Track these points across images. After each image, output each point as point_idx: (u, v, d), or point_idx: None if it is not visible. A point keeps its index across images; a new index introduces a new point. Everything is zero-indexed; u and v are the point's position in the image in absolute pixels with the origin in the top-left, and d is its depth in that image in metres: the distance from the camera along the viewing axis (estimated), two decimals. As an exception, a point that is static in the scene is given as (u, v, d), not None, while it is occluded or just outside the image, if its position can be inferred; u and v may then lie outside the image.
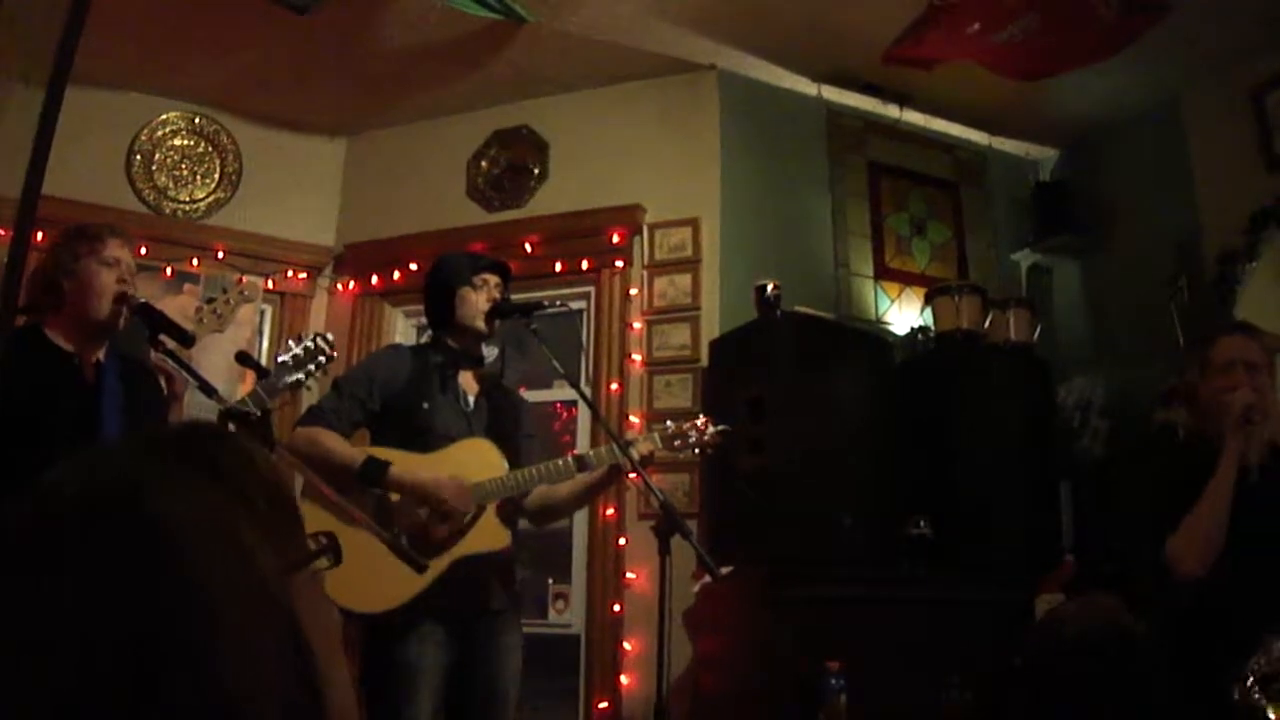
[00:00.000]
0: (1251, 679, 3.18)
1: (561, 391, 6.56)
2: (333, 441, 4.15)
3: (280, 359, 3.99)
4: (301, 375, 3.96)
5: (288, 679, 0.89)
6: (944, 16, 5.72)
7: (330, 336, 4.06)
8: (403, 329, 7.08)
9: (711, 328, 6.09)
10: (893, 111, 7.06)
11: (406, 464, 4.12)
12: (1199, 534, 3.69)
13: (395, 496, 4.09)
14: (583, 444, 6.05)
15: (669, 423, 4.39)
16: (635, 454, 4.11)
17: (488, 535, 4.15)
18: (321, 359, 4.00)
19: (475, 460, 4.20)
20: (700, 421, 4.38)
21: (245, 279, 6.71)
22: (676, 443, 4.32)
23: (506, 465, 4.21)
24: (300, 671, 0.92)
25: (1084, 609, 2.48)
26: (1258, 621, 3.29)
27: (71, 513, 0.89)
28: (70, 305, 3.82)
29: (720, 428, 4.37)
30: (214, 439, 1.03)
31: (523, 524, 4.51)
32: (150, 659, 0.81)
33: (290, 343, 4.04)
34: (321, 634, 1.01)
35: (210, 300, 4.19)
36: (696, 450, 4.47)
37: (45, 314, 3.84)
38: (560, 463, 4.21)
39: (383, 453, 4.20)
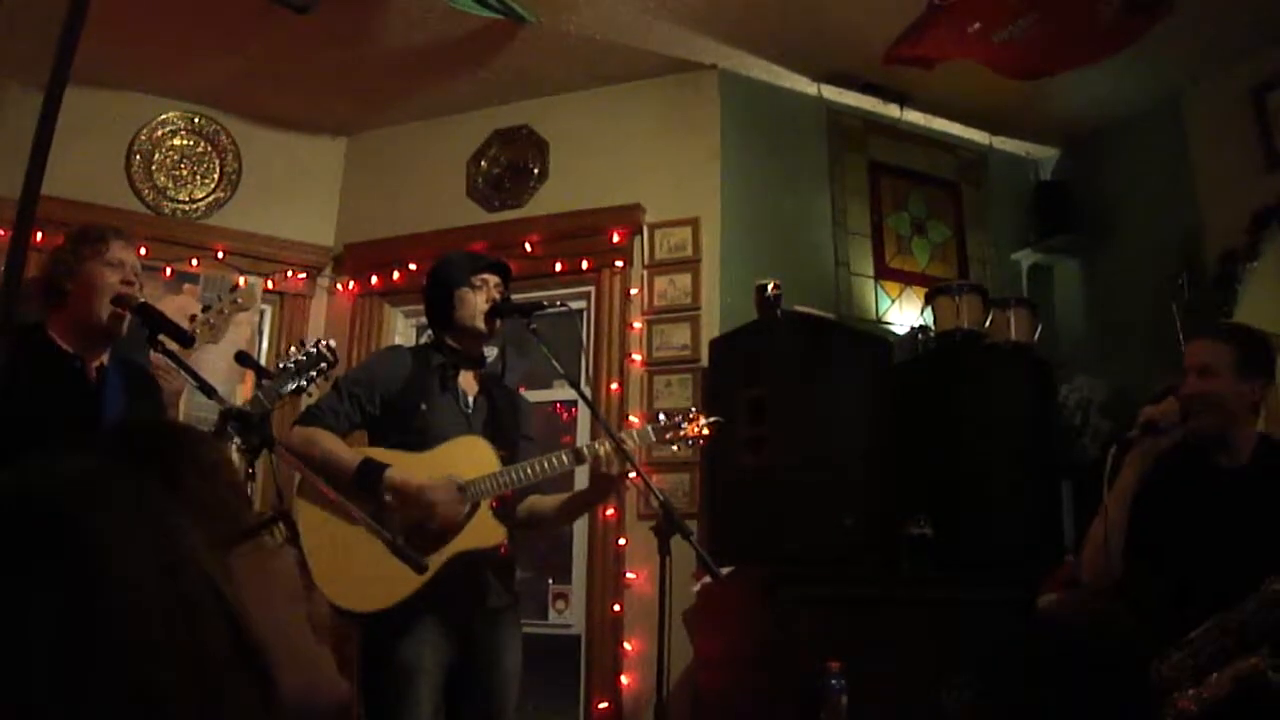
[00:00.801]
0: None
1: (561, 392, 6.56)
2: (330, 443, 4.15)
3: (282, 365, 3.99)
4: (303, 381, 3.97)
5: (212, 656, 0.91)
6: (944, 16, 5.71)
7: (333, 343, 4.07)
8: (402, 329, 7.08)
9: (712, 327, 6.08)
10: (893, 111, 7.06)
11: (402, 463, 4.12)
12: (1091, 543, 3.90)
13: (389, 498, 4.09)
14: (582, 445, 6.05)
15: (662, 416, 4.39)
16: (629, 448, 4.12)
17: (482, 532, 4.14)
18: (324, 365, 4.01)
19: (468, 457, 4.20)
20: (692, 415, 4.38)
21: (244, 280, 6.71)
22: (668, 435, 4.32)
23: (499, 462, 4.21)
24: (231, 646, 0.94)
25: (1066, 600, 2.50)
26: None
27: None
28: (73, 306, 3.81)
29: (713, 419, 4.37)
30: (149, 433, 1.07)
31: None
32: (76, 654, 0.84)
33: (293, 349, 4.04)
34: (270, 601, 1.06)
35: (206, 309, 4.19)
36: (689, 443, 4.47)
37: (48, 314, 3.84)
38: (555, 458, 4.20)
39: (379, 453, 4.20)
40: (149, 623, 0.88)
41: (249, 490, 3.86)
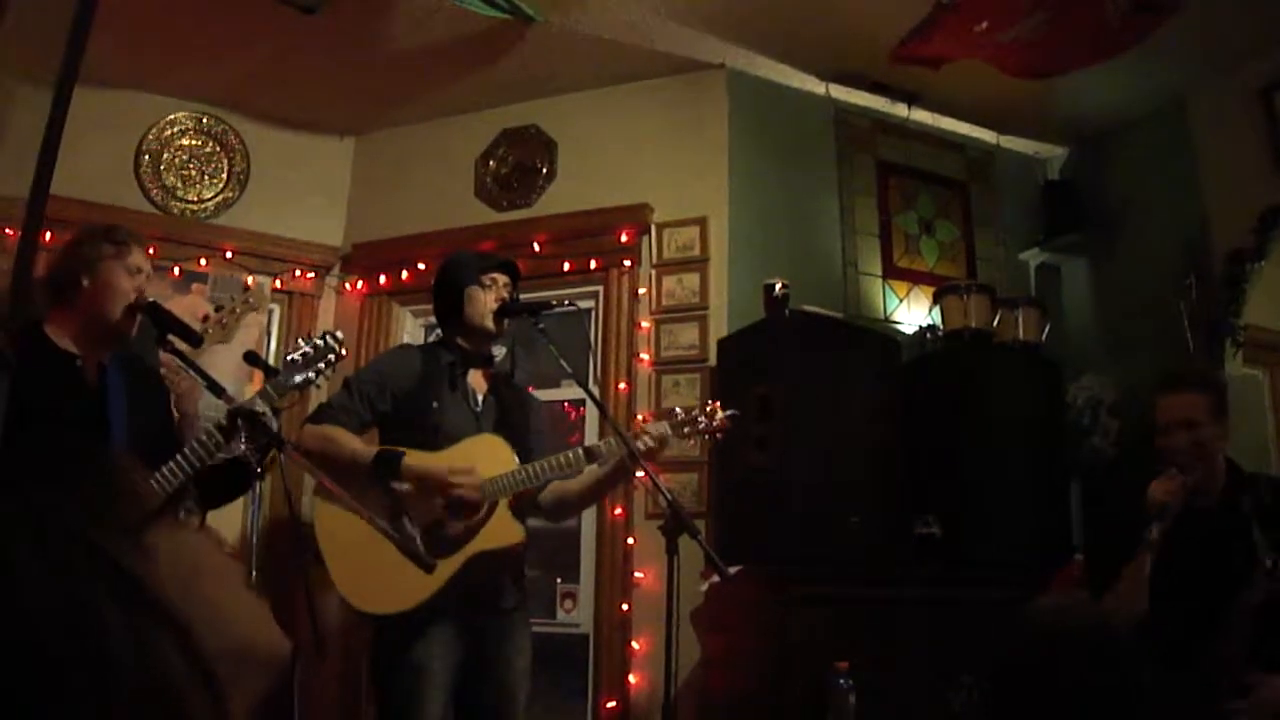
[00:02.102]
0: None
1: (570, 391, 6.55)
2: (345, 438, 4.16)
3: (289, 358, 3.98)
4: (311, 374, 3.96)
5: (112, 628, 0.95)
6: (952, 15, 5.71)
7: (340, 335, 4.05)
8: (411, 328, 7.08)
9: (720, 327, 6.08)
10: (901, 110, 7.05)
11: (419, 462, 4.13)
12: (1113, 602, 4.06)
13: (407, 486, 4.10)
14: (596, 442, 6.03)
15: (678, 410, 4.40)
16: (643, 443, 4.12)
17: (502, 531, 4.16)
18: (331, 357, 4.00)
19: (485, 456, 4.21)
20: (709, 406, 4.38)
21: (252, 280, 6.72)
22: (686, 429, 4.32)
23: (517, 460, 4.21)
24: (141, 619, 0.98)
25: (1059, 604, 2.48)
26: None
27: None
28: (85, 305, 3.81)
29: (730, 412, 4.37)
30: (38, 444, 1.14)
31: (531, 522, 4.52)
32: None
33: (299, 341, 4.03)
34: (191, 570, 1.13)
35: (217, 309, 4.19)
36: (706, 436, 4.48)
37: (49, 312, 3.84)
38: (570, 455, 4.22)
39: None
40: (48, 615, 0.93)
41: (257, 488, 3.88)
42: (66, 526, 1.01)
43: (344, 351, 4.05)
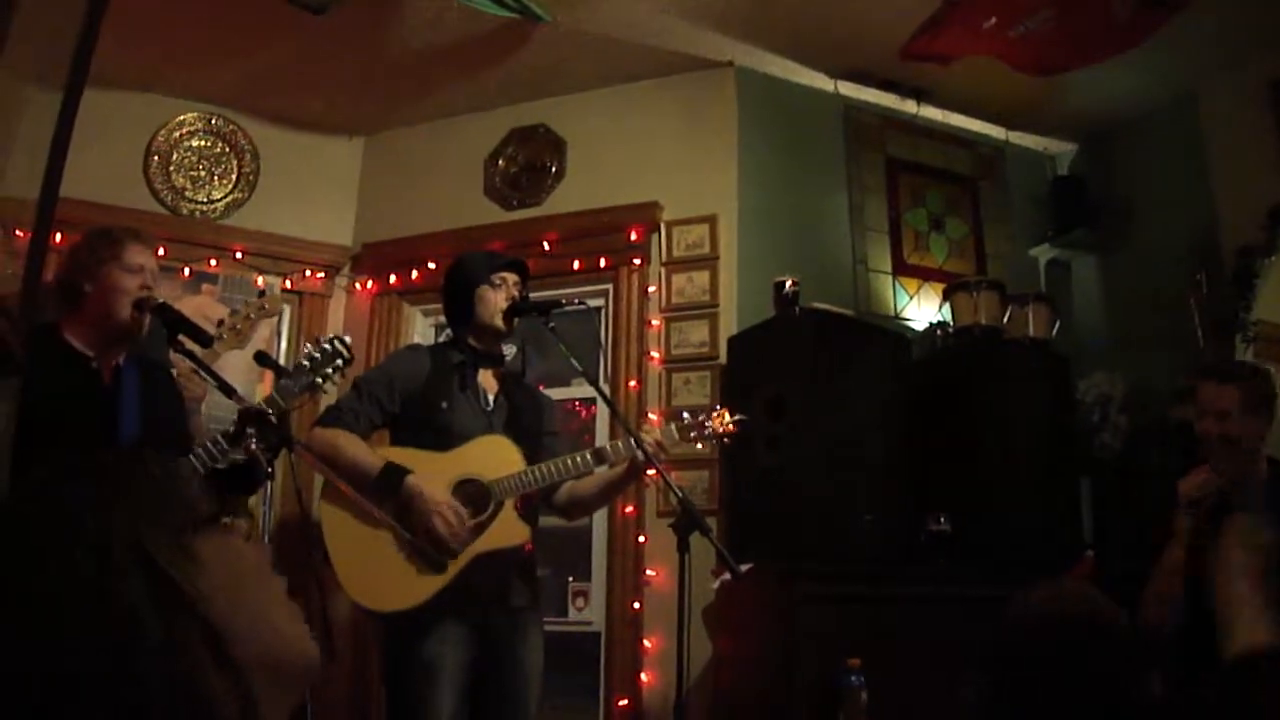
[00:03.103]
0: None
1: (580, 390, 6.55)
2: (352, 446, 4.17)
3: (298, 362, 3.99)
4: (319, 378, 3.97)
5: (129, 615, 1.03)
6: (960, 11, 5.70)
7: (348, 339, 4.06)
8: (421, 328, 7.08)
9: (730, 325, 6.08)
10: (910, 107, 7.05)
11: (426, 463, 4.14)
12: (1152, 596, 4.14)
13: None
14: (601, 442, 6.02)
15: (685, 414, 4.41)
16: (648, 440, 4.13)
17: (507, 531, 4.16)
18: (339, 362, 4.01)
19: (492, 457, 4.21)
20: (717, 411, 4.39)
21: (263, 280, 6.73)
22: (692, 434, 4.33)
23: (524, 461, 4.22)
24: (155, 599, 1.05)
25: (1053, 594, 2.47)
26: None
27: None
28: (90, 308, 3.82)
29: (737, 417, 4.38)
30: (94, 457, 1.22)
31: (544, 521, 4.53)
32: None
33: (308, 345, 4.05)
34: (234, 577, 1.16)
35: (232, 313, 4.20)
36: (714, 441, 4.48)
37: (62, 315, 3.85)
38: (579, 457, 4.23)
39: (401, 452, 4.22)
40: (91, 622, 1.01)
41: (268, 488, 3.89)
42: (116, 527, 1.04)
43: (352, 355, 4.06)
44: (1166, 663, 3.82)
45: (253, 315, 4.20)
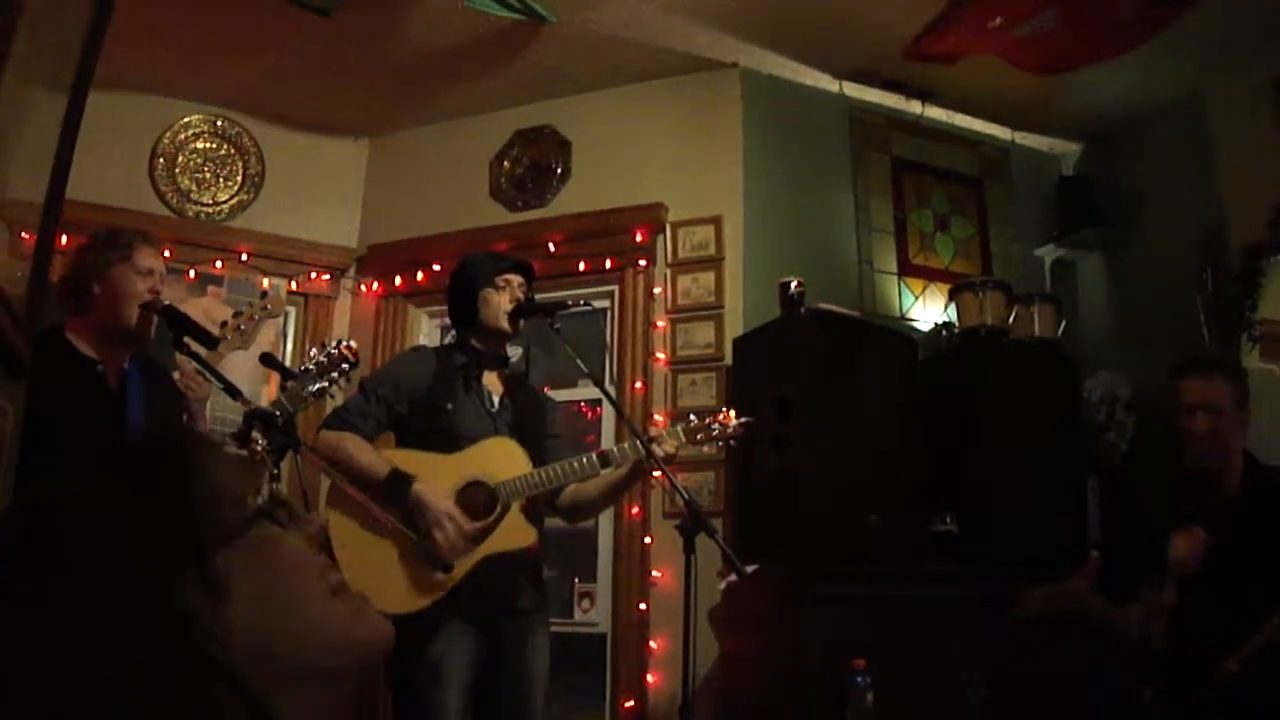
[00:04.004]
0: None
1: (586, 391, 6.55)
2: (358, 450, 4.16)
3: (304, 366, 3.99)
4: (325, 383, 3.97)
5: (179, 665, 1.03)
6: (965, 11, 5.70)
7: (354, 344, 4.07)
8: (427, 330, 7.09)
9: (735, 326, 6.08)
10: (915, 107, 7.04)
11: (432, 465, 4.14)
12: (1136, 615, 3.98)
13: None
14: (607, 443, 6.01)
15: (692, 416, 4.40)
16: (659, 452, 4.12)
17: (513, 533, 4.16)
18: (345, 366, 4.01)
19: (499, 459, 4.21)
20: (723, 414, 4.39)
21: (268, 283, 6.73)
22: (699, 436, 4.33)
23: (530, 463, 4.22)
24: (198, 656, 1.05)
25: (1051, 596, 2.47)
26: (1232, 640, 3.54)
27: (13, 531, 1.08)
28: (99, 311, 3.82)
29: (744, 419, 4.37)
30: (145, 454, 1.17)
31: (550, 523, 4.53)
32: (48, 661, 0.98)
33: (314, 350, 4.04)
34: (281, 580, 1.19)
35: (236, 314, 4.20)
36: (721, 443, 4.48)
37: (68, 318, 3.85)
38: (585, 460, 4.22)
39: (407, 455, 4.22)
40: (117, 639, 1.00)
41: (274, 490, 3.89)
42: (140, 551, 1.05)
43: (358, 360, 4.06)
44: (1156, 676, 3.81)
45: (256, 316, 4.21)
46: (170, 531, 1.09)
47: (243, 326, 4.19)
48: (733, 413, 4.40)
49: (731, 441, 4.46)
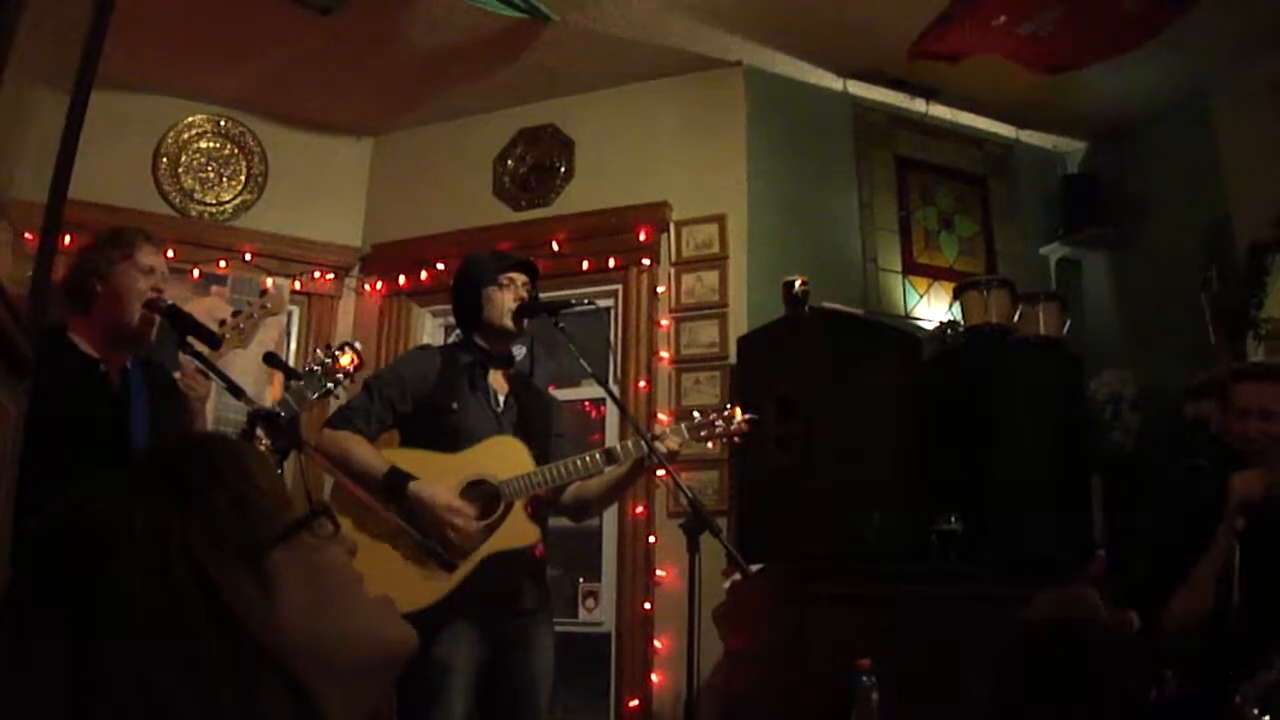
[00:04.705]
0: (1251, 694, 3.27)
1: (590, 390, 6.55)
2: (359, 449, 4.16)
3: (309, 366, 3.98)
4: (330, 384, 3.96)
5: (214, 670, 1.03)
6: (969, 10, 5.70)
7: (359, 345, 4.06)
8: (430, 329, 7.09)
9: (739, 324, 6.08)
10: (919, 106, 7.04)
11: (435, 464, 4.13)
12: (1181, 609, 3.92)
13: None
14: (611, 442, 6.02)
15: (696, 413, 4.39)
16: (662, 449, 4.12)
17: (516, 532, 4.15)
18: (350, 367, 4.00)
19: (502, 458, 4.20)
20: (728, 410, 4.38)
21: (271, 282, 6.73)
22: (703, 433, 4.32)
23: (533, 462, 4.21)
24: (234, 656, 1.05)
25: (1056, 599, 2.47)
26: (1264, 647, 3.45)
27: (43, 544, 1.09)
28: (102, 311, 3.81)
29: (748, 416, 4.37)
30: (175, 458, 1.20)
31: (554, 522, 4.52)
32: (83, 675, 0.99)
33: (319, 352, 4.04)
34: (321, 592, 1.17)
35: (236, 313, 4.20)
36: (725, 440, 4.48)
37: (72, 318, 3.84)
38: (589, 457, 4.21)
39: (411, 454, 4.21)
40: (154, 642, 1.01)
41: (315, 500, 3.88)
42: (186, 551, 1.06)
43: (363, 361, 4.06)
44: (1186, 663, 3.77)
45: (255, 314, 4.20)
46: (223, 531, 1.10)
47: (241, 325, 4.18)
48: (739, 409, 4.39)
49: (736, 438, 4.45)
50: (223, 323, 4.12)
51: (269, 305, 4.33)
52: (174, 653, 1.00)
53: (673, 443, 4.21)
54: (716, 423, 4.32)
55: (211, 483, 1.14)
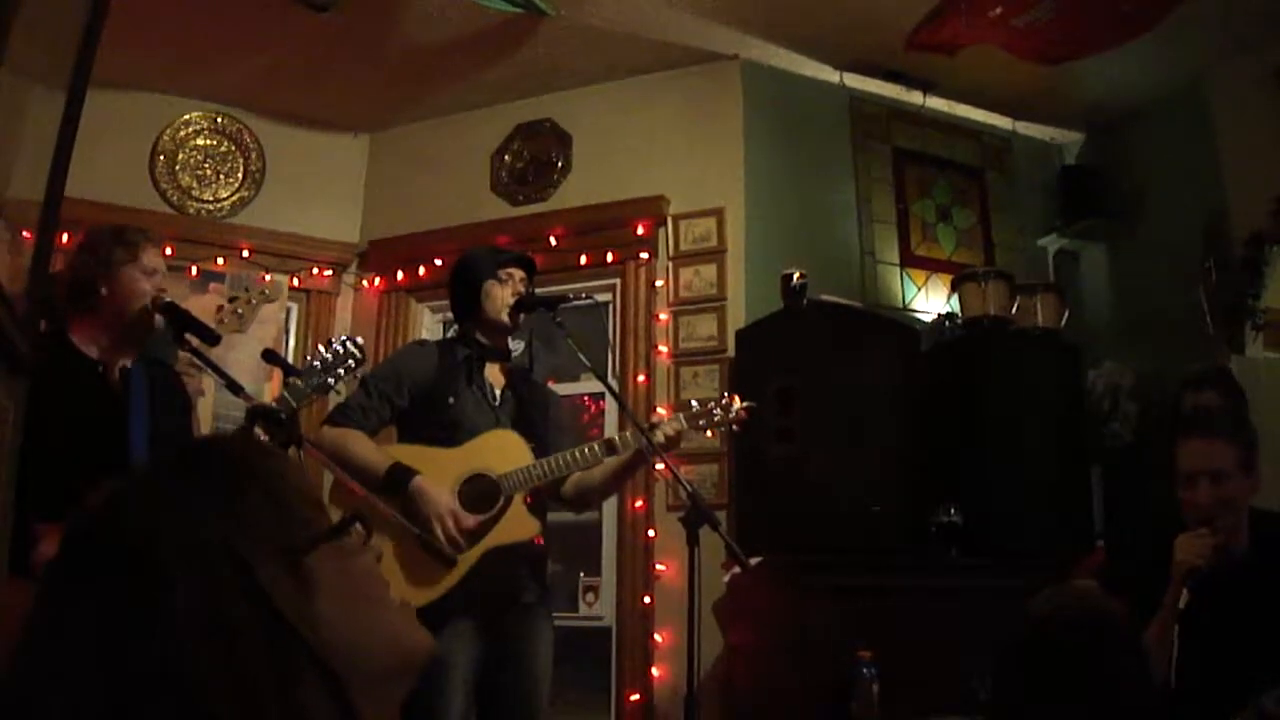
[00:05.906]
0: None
1: (589, 384, 6.56)
2: (359, 445, 4.15)
3: (309, 363, 3.98)
4: (330, 379, 3.96)
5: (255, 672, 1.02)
6: (966, 1, 5.70)
7: (360, 340, 4.05)
8: (429, 324, 7.09)
9: (738, 318, 6.08)
10: (916, 98, 7.04)
11: (434, 459, 4.13)
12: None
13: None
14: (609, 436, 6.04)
15: (694, 402, 4.39)
16: (660, 436, 4.12)
17: (516, 526, 4.15)
18: (350, 363, 3.99)
19: (501, 451, 4.20)
20: (725, 399, 4.38)
21: (269, 277, 6.73)
22: (702, 421, 4.31)
23: (532, 455, 4.21)
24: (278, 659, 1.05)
25: (1060, 595, 2.47)
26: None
27: (79, 542, 1.09)
28: (106, 311, 3.80)
29: (747, 404, 4.36)
30: (213, 456, 1.20)
31: (554, 517, 4.52)
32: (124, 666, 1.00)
33: (319, 348, 4.03)
34: (352, 597, 1.18)
35: (232, 299, 4.19)
36: (723, 429, 4.47)
37: (72, 318, 3.83)
38: (588, 448, 4.21)
39: (410, 449, 4.21)
40: (195, 640, 1.01)
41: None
42: (227, 550, 1.06)
43: (363, 357, 4.05)
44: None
45: (254, 300, 4.19)
46: (262, 530, 1.11)
47: (240, 310, 4.17)
48: (737, 398, 4.39)
49: (734, 427, 4.43)
50: (220, 308, 4.12)
51: (266, 292, 4.32)
52: (215, 651, 1.00)
53: (670, 429, 4.21)
54: (715, 411, 4.31)
55: (249, 482, 1.14)
